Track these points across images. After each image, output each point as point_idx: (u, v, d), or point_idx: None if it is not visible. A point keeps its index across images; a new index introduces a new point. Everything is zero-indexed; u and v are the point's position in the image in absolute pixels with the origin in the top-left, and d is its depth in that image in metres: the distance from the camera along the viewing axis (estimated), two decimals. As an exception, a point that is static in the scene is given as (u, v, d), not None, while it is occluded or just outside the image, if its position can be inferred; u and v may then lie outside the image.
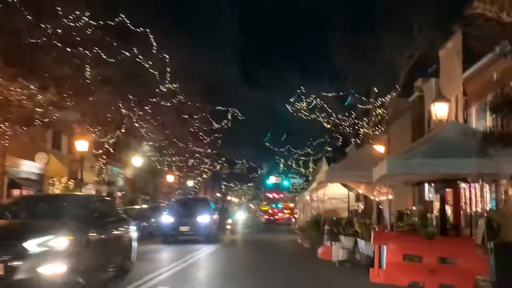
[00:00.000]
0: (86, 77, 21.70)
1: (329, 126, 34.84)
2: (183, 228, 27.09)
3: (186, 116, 41.05)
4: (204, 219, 27.81)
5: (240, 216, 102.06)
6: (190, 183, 61.27)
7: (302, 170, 67.87)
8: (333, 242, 17.45)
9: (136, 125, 34.56)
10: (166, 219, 28.16)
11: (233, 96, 46.17)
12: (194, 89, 35.83)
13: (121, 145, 46.51)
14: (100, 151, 32.92)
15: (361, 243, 14.80)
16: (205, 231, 27.20)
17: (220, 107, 43.51)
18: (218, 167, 65.53)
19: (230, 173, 76.26)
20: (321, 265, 17.22)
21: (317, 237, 20.70)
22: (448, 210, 27.52)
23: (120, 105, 30.09)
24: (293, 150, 65.23)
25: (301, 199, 42.97)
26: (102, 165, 33.28)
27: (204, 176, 65.44)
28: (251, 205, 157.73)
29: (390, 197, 25.93)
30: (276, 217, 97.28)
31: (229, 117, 45.33)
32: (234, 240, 33.15)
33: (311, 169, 66.94)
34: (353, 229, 16.51)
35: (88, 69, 21.57)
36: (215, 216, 30.67)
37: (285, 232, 46.29)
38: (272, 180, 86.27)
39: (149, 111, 33.59)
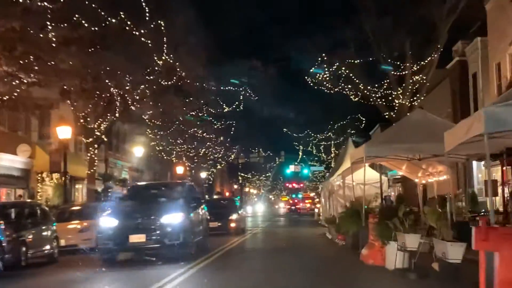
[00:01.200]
0: (47, 38, 16.58)
1: (356, 99, 29.40)
2: (135, 238, 14.85)
3: (191, 98, 35.88)
4: (172, 219, 15.10)
5: (259, 208, 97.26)
6: (203, 174, 56.10)
7: (323, 156, 62.32)
8: (387, 242, 12.14)
9: (133, 108, 29.45)
10: (107, 222, 15.50)
11: (243, 73, 40.58)
12: (198, 63, 30.49)
13: (121, 133, 41.56)
14: (91, 139, 27.84)
15: (442, 245, 9.46)
16: (174, 240, 14.83)
17: (230, 87, 38.13)
18: (232, 156, 60.18)
19: (246, 163, 70.88)
20: (372, 276, 11.88)
21: (359, 233, 15.38)
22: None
23: (108, 82, 25.00)
24: (313, 134, 59.71)
25: (325, 186, 37.64)
26: (94, 156, 28.17)
27: (218, 166, 60.27)
28: (271, 196, 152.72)
29: (445, 177, 20.66)
30: (297, 206, 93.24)
31: (241, 97, 40.00)
32: (238, 248, 20.73)
33: (333, 155, 61.46)
34: (421, 224, 11.26)
35: (50, 28, 16.44)
36: (200, 213, 17.92)
37: (309, 224, 40.99)
38: (291, 169, 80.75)
39: (146, 91, 28.42)
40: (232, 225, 27.08)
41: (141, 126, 38.42)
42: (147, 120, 34.93)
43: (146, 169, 47.50)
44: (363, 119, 57.22)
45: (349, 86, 28.88)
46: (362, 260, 13.83)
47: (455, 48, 33.17)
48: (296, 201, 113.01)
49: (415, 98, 27.38)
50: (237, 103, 40.27)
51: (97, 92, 26.01)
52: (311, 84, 30.20)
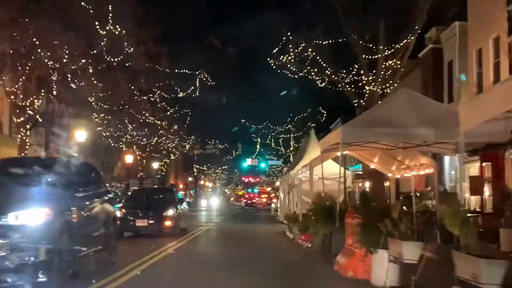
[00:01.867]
0: None
1: (323, 84, 26.53)
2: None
3: (141, 80, 32.39)
4: (26, 218, 8.44)
5: (214, 202, 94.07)
6: (155, 165, 52.51)
7: (282, 149, 59.56)
8: (373, 250, 9.21)
9: (73, 86, 25.84)
10: None
11: (199, 55, 37.06)
12: (148, 37, 27.00)
13: (65, 116, 37.74)
14: (22, 118, 24.14)
15: (475, 262, 6.50)
16: (26, 257, 8.14)
17: (184, 69, 34.70)
18: (187, 147, 56.70)
19: (201, 155, 67.46)
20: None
21: (332, 236, 12.43)
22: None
23: (41, 52, 21.42)
24: (272, 126, 56.88)
25: (284, 180, 34.82)
26: (25, 138, 24.47)
27: (172, 157, 56.73)
28: (226, 190, 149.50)
29: (429, 171, 17.96)
30: (254, 201, 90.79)
31: (197, 82, 36.63)
32: (166, 262, 13.42)
33: (291, 148, 58.81)
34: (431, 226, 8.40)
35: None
36: (99, 207, 11.27)
37: (266, 220, 38.08)
38: (248, 162, 77.84)
39: (89, 67, 24.85)
40: (167, 223, 20.25)
41: (86, 109, 34.75)
42: (92, 103, 31.36)
43: (92, 156, 43.67)
44: (324, 112, 54.77)
45: (315, 70, 25.96)
46: (337, 271, 10.87)
47: (428, 35, 30.72)
48: (252, 195, 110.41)
49: (387, 85, 24.65)
50: (192, 88, 36.92)
51: (29, 64, 22.35)
52: (274, 66, 27.20)
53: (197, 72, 35.66)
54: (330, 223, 12.66)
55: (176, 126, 47.69)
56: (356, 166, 44.84)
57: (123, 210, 20.20)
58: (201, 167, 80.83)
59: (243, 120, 57.40)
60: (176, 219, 20.82)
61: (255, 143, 64.95)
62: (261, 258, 14.41)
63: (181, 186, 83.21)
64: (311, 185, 21.33)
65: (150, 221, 20.13)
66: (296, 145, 58.41)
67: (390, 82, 24.68)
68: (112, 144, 37.68)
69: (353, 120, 14.14)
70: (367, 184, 38.07)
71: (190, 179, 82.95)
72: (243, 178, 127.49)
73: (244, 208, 75.32)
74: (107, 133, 37.04)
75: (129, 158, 41.92)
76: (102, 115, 35.57)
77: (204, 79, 36.76)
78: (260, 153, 76.64)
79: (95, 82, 25.51)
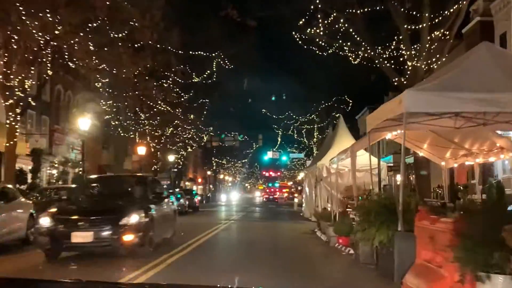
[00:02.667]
0: None
1: (356, 61, 22.78)
2: None
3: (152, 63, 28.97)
4: None
5: (233, 197, 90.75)
6: (171, 157, 49.12)
7: (305, 140, 55.75)
8: (486, 274, 5.54)
9: (71, 64, 22.46)
10: None
11: (216, 31, 33.14)
12: (156, 11, 23.41)
13: (72, 103, 34.53)
14: (11, 100, 20.78)
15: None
16: None
17: (200, 52, 31.16)
18: (205, 138, 53.21)
19: (220, 147, 63.95)
20: None
21: (394, 245, 8.69)
22: None
23: (29, 23, 18.01)
24: (294, 116, 53.09)
25: (311, 173, 31.19)
26: (15, 123, 21.11)
27: (189, 149, 53.32)
28: (247, 185, 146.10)
29: (505, 156, 14.05)
30: (275, 196, 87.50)
31: (213, 66, 33.06)
32: None
33: (315, 140, 54.99)
34: None
35: None
36: None
37: (290, 217, 34.44)
38: (269, 155, 74.04)
39: (89, 43, 21.38)
40: (127, 237, 11.74)
41: (92, 94, 31.47)
42: (98, 87, 28.04)
43: (99, 147, 40.48)
44: (350, 101, 50.83)
45: (348, 44, 22.24)
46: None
47: (474, 7, 26.81)
48: (272, 190, 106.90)
49: (433, 60, 20.83)
50: (208, 72, 33.38)
51: (14, 37, 18.98)
52: (300, 41, 23.50)
53: (213, 54, 32.05)
54: (390, 226, 9.02)
55: (192, 116, 44.28)
56: (387, 157, 41.05)
57: (54, 216, 12.03)
58: (220, 161, 77.36)
59: (264, 110, 53.71)
60: (144, 229, 12.10)
61: (276, 135, 61.20)
62: (294, 272, 10.68)
63: (199, 180, 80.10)
64: (354, 176, 17.56)
65: (98, 235, 11.58)
66: (320, 136, 54.63)
67: (437, 56, 20.86)
68: (122, 134, 34.28)
69: (418, 84, 10.42)
70: (399, 177, 34.24)
71: (209, 173, 79.54)
72: (263, 172, 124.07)
73: (265, 202, 71.71)
74: (116, 122, 33.67)
75: (141, 150, 38.55)
76: (110, 102, 32.24)
77: (222, 62, 33.15)
78: (281, 146, 72.87)
79: (94, 59, 21.95)
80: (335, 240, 14.79)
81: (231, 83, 39.79)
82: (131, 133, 34.63)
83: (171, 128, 43.44)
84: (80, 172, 37.05)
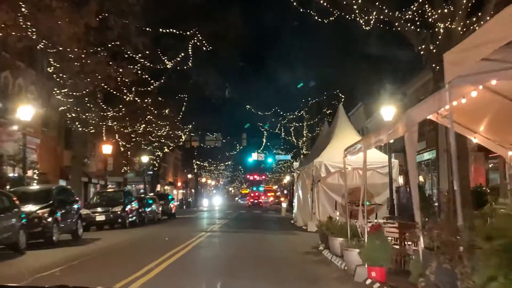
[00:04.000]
0: None
1: (369, 26, 17.30)
2: None
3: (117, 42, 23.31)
4: None
5: (216, 202, 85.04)
6: (144, 158, 43.25)
7: (293, 139, 50.17)
8: None
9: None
10: None
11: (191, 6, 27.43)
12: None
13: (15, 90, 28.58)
14: None
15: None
16: None
17: (172, 29, 25.51)
18: (183, 137, 47.36)
19: (202, 149, 58.15)
20: None
21: None
22: None
23: None
24: (282, 113, 47.56)
25: (305, 173, 25.66)
26: None
27: (166, 149, 47.45)
28: (231, 189, 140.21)
29: None
30: (259, 200, 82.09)
31: (189, 47, 27.40)
32: None
33: (305, 139, 49.53)
34: None
35: None
36: None
37: (280, 225, 28.92)
38: (253, 157, 68.26)
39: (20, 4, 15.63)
40: None
41: (46, 82, 25.68)
42: (52, 74, 22.30)
43: (63, 146, 34.53)
44: (343, 96, 45.36)
45: (359, 2, 16.76)
46: None
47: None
48: (257, 194, 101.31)
49: (473, 19, 15.46)
50: (182, 54, 27.72)
51: None
52: (295, 3, 18.02)
53: (188, 33, 26.40)
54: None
55: (167, 111, 38.54)
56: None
57: None
58: (202, 163, 71.51)
59: (248, 107, 48.13)
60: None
61: (262, 135, 55.59)
62: None
63: (179, 183, 74.27)
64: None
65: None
66: (310, 135, 49.15)
67: (479, 14, 15.47)
68: (81, 129, 28.42)
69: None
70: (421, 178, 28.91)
71: (189, 176, 73.61)
72: (247, 176, 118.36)
73: (249, 208, 66.01)
74: (73, 114, 27.83)
75: (107, 149, 32.71)
76: (65, 90, 26.42)
77: (198, 42, 27.50)
78: (266, 148, 67.22)
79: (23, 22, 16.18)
80: (364, 272, 9.18)
81: (209, 70, 33.92)
82: (91, 127, 28.71)
83: (143, 125, 37.62)
84: (36, 175, 31.24)
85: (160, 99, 36.77)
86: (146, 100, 28.77)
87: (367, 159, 23.20)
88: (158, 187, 50.21)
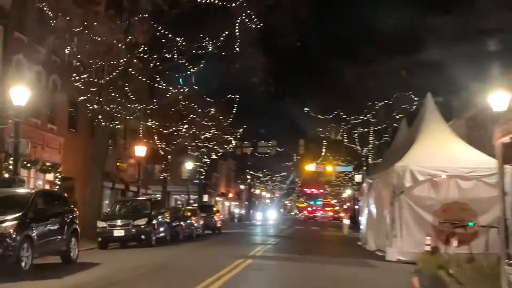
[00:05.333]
0: None
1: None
2: None
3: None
4: None
5: (271, 215, 78.96)
6: (188, 165, 37.77)
7: (358, 147, 43.54)
8: None
9: None
10: None
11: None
12: None
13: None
14: None
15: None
16: None
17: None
18: (233, 143, 41.70)
19: (253, 155, 52.26)
20: None
21: None
22: None
23: None
24: (344, 116, 41.09)
25: (382, 182, 19.37)
26: None
27: (214, 156, 41.87)
28: (287, 202, 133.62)
29: None
30: (315, 215, 76.13)
31: (236, 28, 21.77)
32: None
33: (370, 147, 42.91)
34: None
35: None
36: None
37: (345, 248, 22.68)
38: (311, 168, 61.48)
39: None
40: None
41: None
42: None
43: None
44: (416, 98, 38.52)
45: None
46: None
47: None
48: (314, 208, 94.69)
49: None
50: (226, 33, 22.05)
51: None
52: None
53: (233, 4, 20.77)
54: None
55: (213, 110, 33.06)
56: None
57: None
58: (255, 173, 65.70)
59: (307, 109, 41.97)
60: None
61: (321, 141, 48.95)
62: None
63: (230, 195, 68.76)
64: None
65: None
66: (377, 142, 42.53)
67: None
68: (104, 124, 23.10)
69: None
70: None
71: (242, 187, 67.87)
72: (304, 189, 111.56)
73: (306, 223, 59.57)
74: (94, 106, 22.60)
75: (140, 150, 27.35)
76: (86, 76, 21.26)
77: (247, 19, 21.81)
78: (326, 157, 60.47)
79: None
80: None
81: (258, 60, 28.02)
82: (117, 122, 23.32)
83: (186, 125, 32.28)
84: (58, 180, 26.32)
85: (204, 96, 31.42)
86: (182, 89, 23.17)
87: (467, 164, 16.54)
88: (206, 198, 44.75)
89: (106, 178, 32.30)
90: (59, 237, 13.43)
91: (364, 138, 42.89)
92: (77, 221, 14.57)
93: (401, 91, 38.98)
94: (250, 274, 12.83)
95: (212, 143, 40.29)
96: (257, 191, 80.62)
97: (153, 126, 30.85)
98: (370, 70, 39.53)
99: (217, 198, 69.63)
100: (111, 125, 22.96)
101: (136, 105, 23.07)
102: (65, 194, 15.40)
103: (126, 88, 23.04)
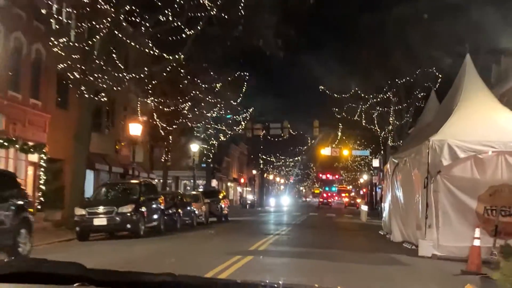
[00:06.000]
0: None
1: None
2: None
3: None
4: None
5: (284, 201, 75.73)
6: (194, 147, 34.57)
7: (377, 129, 39.95)
8: None
9: None
10: None
11: None
12: None
13: None
14: None
15: None
16: None
17: None
18: (242, 123, 38.41)
19: (264, 137, 48.86)
20: None
21: None
22: None
23: None
24: (363, 95, 37.54)
25: (411, 161, 15.99)
26: None
27: (221, 137, 38.63)
28: (302, 188, 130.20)
29: None
30: (329, 200, 73.17)
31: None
32: None
33: (390, 127, 39.35)
34: None
35: None
36: None
37: (365, 238, 19.42)
38: (327, 152, 57.89)
39: None
40: None
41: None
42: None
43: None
44: (439, 75, 34.84)
45: None
46: None
47: None
48: (329, 194, 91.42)
49: None
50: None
51: None
52: None
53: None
54: None
55: (218, 85, 29.83)
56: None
57: None
58: (268, 158, 62.39)
59: (322, 87, 38.53)
60: None
61: (336, 123, 45.39)
62: None
63: (242, 180, 65.63)
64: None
65: None
66: (397, 122, 38.98)
67: None
68: (87, 95, 19.85)
69: None
70: None
71: (254, 172, 64.65)
72: (319, 175, 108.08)
73: (321, 210, 56.28)
74: (76, 74, 19.40)
75: (135, 129, 24.18)
76: (65, 40, 18.16)
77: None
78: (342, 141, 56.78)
79: None
80: None
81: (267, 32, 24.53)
82: (102, 94, 20.04)
83: (188, 103, 29.11)
84: (42, 161, 23.41)
85: (209, 69, 28.19)
86: (177, 56, 19.85)
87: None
88: (214, 183, 41.62)
89: (102, 161, 29.40)
90: (2, 227, 10.33)
91: (384, 118, 39.34)
92: (30, 209, 11.43)
93: (424, 66, 35.43)
94: (250, 272, 9.62)
95: (220, 124, 37.16)
96: (271, 177, 77.30)
97: (152, 103, 27.77)
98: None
99: (229, 184, 66.54)
100: (96, 98, 19.74)
101: (125, 74, 19.80)
102: (15, 174, 12.25)
103: (114, 55, 19.82)
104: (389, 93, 37.29)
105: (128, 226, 16.95)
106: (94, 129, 29.05)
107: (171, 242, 16.39)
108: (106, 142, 29.78)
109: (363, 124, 39.45)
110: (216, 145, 39.28)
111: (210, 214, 27.90)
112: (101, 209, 17.03)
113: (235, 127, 38.78)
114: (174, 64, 20.55)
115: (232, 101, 33.06)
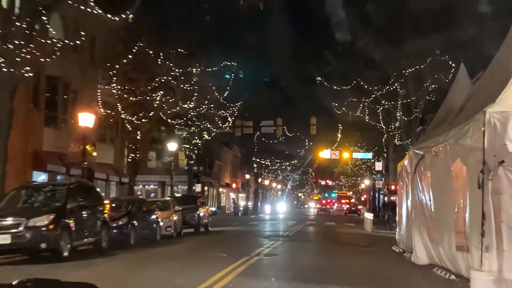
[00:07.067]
0: None
1: None
2: None
3: None
4: None
5: (280, 208, 70.46)
6: (171, 145, 29.31)
7: (382, 126, 34.61)
8: None
9: None
10: None
11: None
12: None
13: None
14: None
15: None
16: None
17: None
18: (229, 119, 33.16)
19: (260, 141, 43.48)
20: None
21: None
22: None
23: None
24: (366, 86, 32.36)
25: (444, 152, 10.96)
26: None
27: (205, 136, 33.34)
28: (300, 194, 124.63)
29: None
30: (327, 207, 68.31)
31: None
32: None
33: (397, 124, 34.11)
34: None
35: None
36: None
37: (376, 263, 14.19)
38: (326, 155, 52.51)
39: None
40: None
41: None
42: None
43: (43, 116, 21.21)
44: (453, 64, 29.70)
45: None
46: None
47: None
48: (329, 201, 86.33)
49: None
50: None
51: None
52: None
53: None
54: None
55: (194, 70, 24.80)
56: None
57: None
58: (263, 161, 57.09)
59: (319, 79, 33.43)
60: None
61: (336, 121, 40.23)
62: None
63: (233, 185, 60.36)
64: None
65: None
66: (406, 119, 33.85)
67: None
68: (5, 69, 14.69)
69: None
70: None
71: (247, 176, 59.30)
72: (319, 180, 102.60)
73: (319, 218, 51.07)
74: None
75: (86, 119, 18.98)
76: None
77: None
78: (341, 144, 51.54)
79: None
80: None
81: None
82: (26, 69, 14.84)
83: (160, 92, 24.08)
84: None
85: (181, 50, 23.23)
86: (124, 16, 14.60)
87: None
88: (198, 188, 36.39)
89: (57, 161, 24.26)
90: None
91: (390, 114, 34.17)
92: None
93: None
94: None
95: (204, 121, 32.14)
96: (266, 182, 71.91)
97: (115, 91, 22.74)
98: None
99: (221, 189, 61.34)
100: (17, 72, 14.62)
101: (55, 40, 14.71)
102: None
103: (44, 18, 14.75)
104: (396, 85, 32.16)
105: (43, 245, 11.79)
106: (47, 123, 24.15)
107: (101, 268, 11.22)
108: (62, 139, 24.65)
109: (366, 120, 34.22)
110: (199, 145, 34.05)
111: (185, 224, 22.76)
112: (7, 221, 11.90)
113: (220, 124, 33.63)
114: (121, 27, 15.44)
115: (215, 92, 28.00)
